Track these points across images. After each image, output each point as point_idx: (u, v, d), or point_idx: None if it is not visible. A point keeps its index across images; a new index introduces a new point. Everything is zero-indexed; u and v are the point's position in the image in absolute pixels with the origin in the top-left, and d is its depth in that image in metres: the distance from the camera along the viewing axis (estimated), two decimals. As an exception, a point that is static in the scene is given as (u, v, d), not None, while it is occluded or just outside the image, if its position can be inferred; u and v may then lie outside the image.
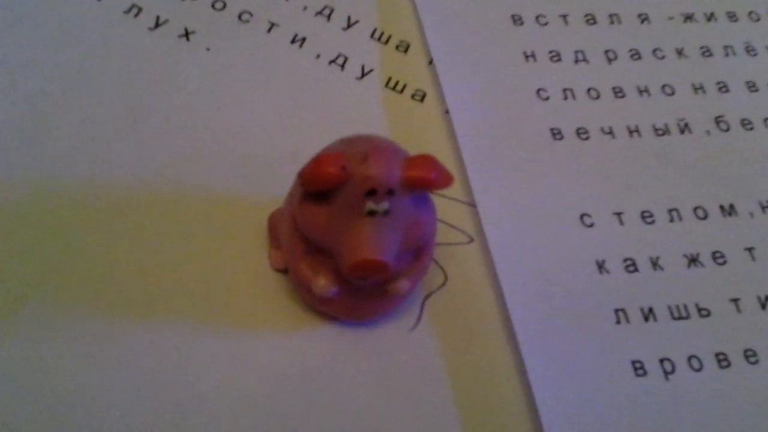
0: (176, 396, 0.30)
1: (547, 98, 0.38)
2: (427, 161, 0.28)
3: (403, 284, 0.30)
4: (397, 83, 0.38)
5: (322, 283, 0.30)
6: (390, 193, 0.27)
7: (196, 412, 0.30)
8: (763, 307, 0.34)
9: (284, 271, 0.32)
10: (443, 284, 0.33)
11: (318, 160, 0.27)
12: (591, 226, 0.35)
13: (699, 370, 0.33)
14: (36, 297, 0.31)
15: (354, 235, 0.28)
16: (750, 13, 0.43)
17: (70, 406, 0.30)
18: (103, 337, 0.31)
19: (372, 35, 0.40)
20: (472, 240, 0.34)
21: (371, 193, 0.27)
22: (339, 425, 0.30)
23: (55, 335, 0.31)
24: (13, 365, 0.30)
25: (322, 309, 0.31)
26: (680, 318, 0.33)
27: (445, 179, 0.28)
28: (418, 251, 0.30)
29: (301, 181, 0.27)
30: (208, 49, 0.38)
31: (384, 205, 0.27)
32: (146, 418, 0.30)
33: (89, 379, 0.30)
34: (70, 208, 0.33)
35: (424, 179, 0.27)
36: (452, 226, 0.34)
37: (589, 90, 0.39)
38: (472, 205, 0.35)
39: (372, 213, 0.27)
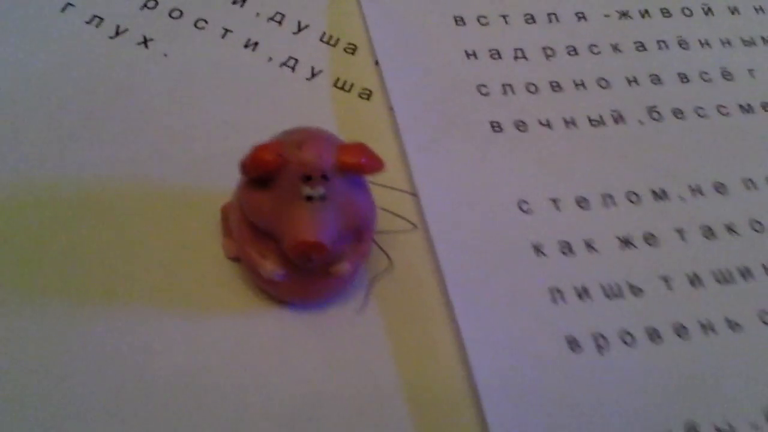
0: (136, 376, 0.32)
1: (487, 94, 0.40)
2: (359, 148, 0.30)
3: (345, 266, 0.32)
4: (345, 83, 0.40)
5: (269, 267, 0.32)
6: (325, 177, 0.29)
7: (154, 392, 0.32)
8: (693, 284, 0.36)
9: (237, 259, 0.34)
10: (388, 268, 0.35)
11: (256, 149, 0.29)
12: (528, 212, 0.37)
13: (631, 344, 0.34)
14: (4, 287, 0.33)
15: (293, 218, 0.30)
16: (683, 9, 0.45)
17: (35, 387, 0.31)
18: (67, 323, 0.33)
19: (321, 39, 0.42)
20: (415, 227, 0.36)
21: (307, 178, 0.29)
22: (290, 401, 0.32)
23: (21, 321, 0.33)
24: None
25: (272, 292, 0.33)
26: (613, 296, 0.35)
27: (376, 164, 0.30)
28: (358, 235, 0.32)
29: (242, 169, 0.29)
30: (165, 55, 0.40)
31: (319, 190, 0.29)
32: (107, 397, 0.31)
33: (53, 361, 0.32)
34: (36, 204, 0.35)
35: (355, 164, 0.29)
36: (396, 214, 0.36)
37: (527, 85, 0.41)
38: (415, 194, 0.37)
39: (309, 198, 0.29)
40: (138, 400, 0.31)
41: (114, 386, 0.32)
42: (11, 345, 0.32)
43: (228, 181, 0.33)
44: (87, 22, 0.41)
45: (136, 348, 0.33)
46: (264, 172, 0.29)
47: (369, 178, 0.32)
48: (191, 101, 0.39)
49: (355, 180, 0.30)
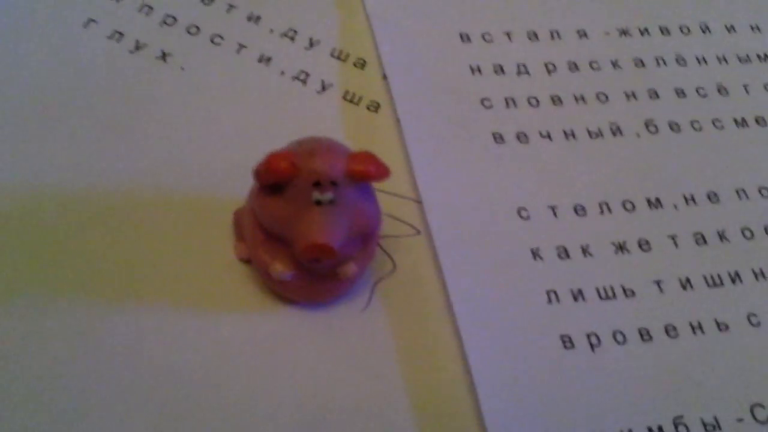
0: (151, 372, 0.34)
1: (490, 107, 0.42)
2: (367, 157, 0.32)
3: (351, 267, 0.34)
4: (354, 96, 0.42)
5: (279, 268, 0.33)
6: (334, 184, 0.31)
7: (169, 386, 0.33)
8: (684, 288, 0.38)
9: (248, 261, 0.36)
10: (392, 271, 0.37)
11: (270, 157, 0.31)
12: (527, 218, 0.39)
13: (623, 343, 0.36)
14: (25, 288, 0.35)
15: (304, 222, 0.32)
16: (681, 27, 0.47)
17: (58, 382, 0.33)
18: (87, 322, 0.34)
19: (332, 54, 0.44)
20: (418, 232, 0.38)
21: (317, 184, 0.31)
22: (297, 397, 0.34)
23: (45, 320, 0.34)
24: (7, 346, 0.34)
25: (281, 292, 0.35)
26: (607, 298, 0.37)
27: (383, 172, 0.32)
28: (365, 238, 0.34)
29: (256, 176, 0.31)
30: (182, 69, 0.42)
31: (328, 195, 0.31)
32: (122, 392, 0.33)
33: (74, 357, 0.34)
34: (58, 210, 0.37)
35: (364, 172, 0.31)
36: (400, 220, 0.38)
37: (529, 99, 0.43)
38: (419, 201, 0.39)
39: (319, 202, 0.31)
40: (151, 395, 0.33)
41: (129, 381, 0.33)
42: (33, 342, 0.34)
43: (240, 187, 0.35)
44: (108, 37, 0.43)
45: (150, 345, 0.34)
46: (277, 179, 0.31)
47: (375, 185, 0.33)
48: (207, 113, 0.41)
49: (363, 186, 0.32)
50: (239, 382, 0.34)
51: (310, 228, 0.31)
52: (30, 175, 0.38)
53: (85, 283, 0.35)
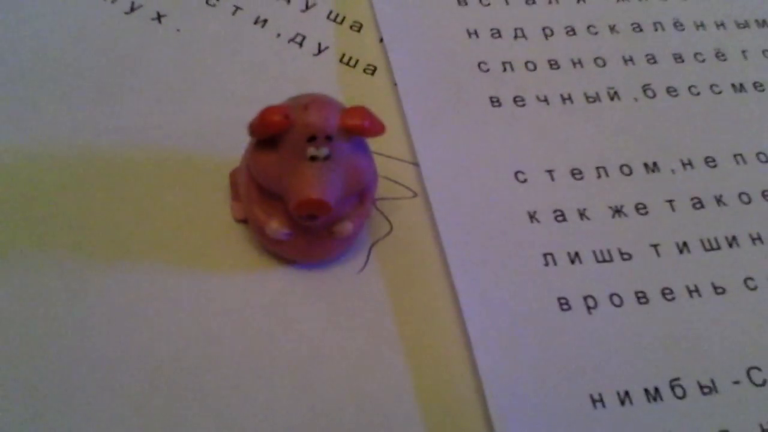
0: (147, 330, 0.34)
1: (487, 70, 0.42)
2: (361, 111, 0.31)
3: (347, 225, 0.34)
4: (350, 59, 0.42)
5: (275, 226, 0.33)
6: (329, 139, 0.31)
7: (164, 347, 0.33)
8: (681, 251, 0.37)
9: (244, 221, 0.36)
10: (389, 233, 0.37)
11: (264, 111, 0.31)
12: (524, 181, 0.39)
13: (619, 305, 0.36)
14: (23, 245, 0.35)
15: (298, 177, 0.31)
16: (680, -8, 0.46)
17: (54, 339, 0.33)
18: (81, 282, 0.34)
19: (328, 16, 0.44)
20: (415, 195, 0.38)
21: (312, 138, 0.31)
22: (294, 357, 0.34)
23: (40, 277, 0.34)
24: (2, 303, 0.34)
25: (278, 251, 0.35)
26: (604, 261, 0.37)
27: (377, 126, 0.31)
28: (360, 196, 0.34)
29: (250, 130, 0.31)
30: (178, 30, 0.42)
31: (324, 150, 0.31)
32: (117, 351, 0.33)
33: (69, 317, 0.34)
34: (54, 168, 0.37)
35: (357, 125, 0.31)
36: (397, 182, 0.38)
37: (526, 63, 0.43)
38: (416, 164, 0.39)
39: (313, 158, 0.31)
40: (146, 355, 0.33)
41: (123, 340, 0.33)
42: (28, 298, 0.34)
43: (236, 148, 0.35)
44: (103, -1, 0.42)
45: (145, 306, 0.34)
46: (271, 132, 0.31)
47: (373, 148, 0.33)
48: (202, 75, 0.41)
49: (358, 143, 0.32)
50: (236, 343, 0.34)
51: (304, 184, 0.31)
52: (25, 136, 0.38)
53: (79, 244, 0.35)
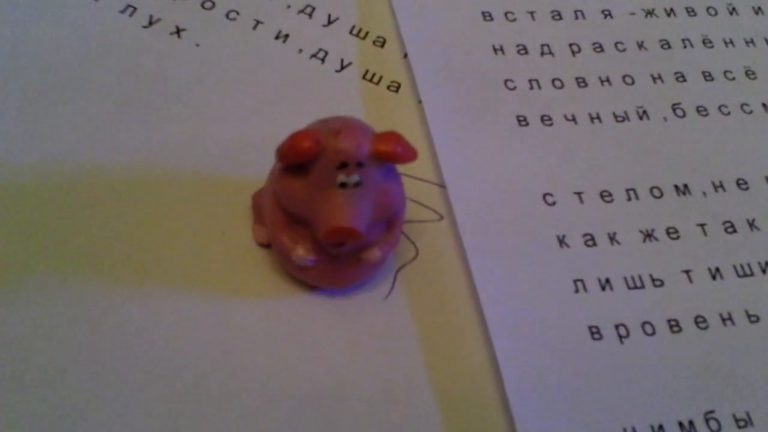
0: (167, 356, 0.33)
1: (514, 88, 0.41)
2: (394, 137, 0.30)
3: (375, 253, 0.33)
4: (374, 75, 0.41)
5: (301, 252, 0.32)
6: (360, 165, 0.30)
7: (185, 372, 0.33)
8: (714, 278, 0.37)
9: (267, 245, 0.35)
10: (415, 257, 0.36)
11: (294, 136, 0.30)
12: (553, 204, 0.38)
13: (652, 334, 0.35)
14: (41, 268, 0.34)
15: (328, 204, 0.30)
16: (708, 8, 0.46)
17: (73, 364, 0.32)
18: (101, 305, 0.34)
19: (351, 31, 0.43)
20: (442, 218, 0.37)
21: (343, 165, 0.30)
22: (318, 384, 0.33)
23: (58, 302, 0.33)
24: (18, 329, 0.33)
25: (303, 278, 0.34)
26: (635, 288, 0.36)
27: (410, 153, 0.30)
28: (389, 223, 0.33)
29: (279, 156, 0.30)
30: (197, 45, 0.41)
31: (354, 177, 0.30)
32: (139, 377, 0.32)
33: (87, 341, 0.33)
34: (72, 189, 0.36)
35: (390, 152, 0.30)
36: (424, 205, 0.37)
37: (553, 80, 0.42)
38: (443, 186, 0.38)
39: (344, 185, 0.30)
40: (166, 382, 0.32)
41: (143, 365, 0.33)
42: (47, 323, 0.33)
43: (258, 169, 0.34)
44: (121, 12, 0.42)
45: (165, 330, 0.33)
46: (301, 159, 0.30)
47: (398, 168, 0.32)
48: (222, 91, 0.40)
49: (389, 169, 0.31)
50: (257, 370, 0.33)
51: (333, 211, 0.30)
52: (43, 154, 0.37)
53: (98, 267, 0.34)
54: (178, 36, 0.41)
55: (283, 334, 0.34)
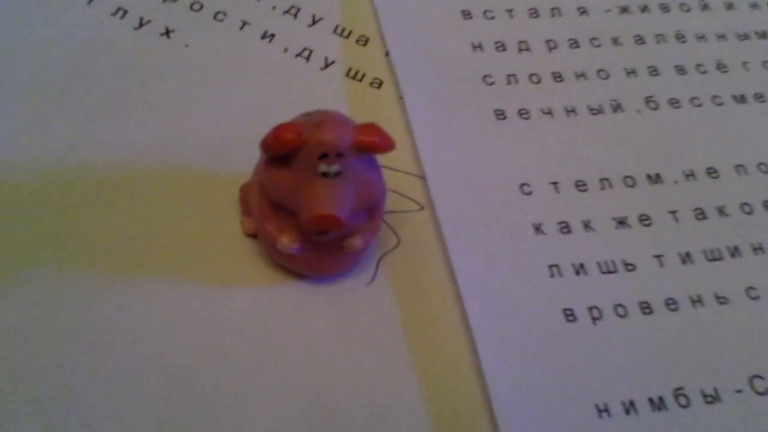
0: (158, 345, 0.34)
1: (492, 83, 0.43)
2: (373, 128, 0.32)
3: (357, 240, 0.34)
4: (357, 73, 0.43)
5: (286, 241, 0.34)
6: (340, 156, 0.31)
7: (176, 362, 0.34)
8: (684, 262, 0.38)
9: (255, 236, 0.36)
10: (397, 246, 0.37)
11: (277, 128, 0.31)
12: (529, 194, 0.39)
13: (624, 316, 0.36)
14: (36, 260, 0.36)
15: (310, 194, 0.32)
16: (681, 4, 0.47)
17: (66, 353, 0.34)
18: (94, 295, 0.35)
19: (334, 31, 0.44)
20: (422, 208, 0.38)
21: (324, 156, 0.31)
22: (304, 368, 0.34)
23: (53, 293, 0.35)
24: (15, 321, 0.34)
25: (288, 265, 0.35)
26: (608, 272, 0.37)
27: (388, 143, 0.32)
28: (370, 211, 0.34)
29: (263, 147, 0.32)
30: (186, 46, 0.43)
31: (335, 167, 0.31)
32: (130, 364, 0.34)
33: (83, 330, 0.34)
34: (65, 185, 0.37)
35: (369, 142, 0.32)
36: (405, 196, 0.38)
37: (530, 76, 0.43)
38: (423, 177, 0.39)
39: (325, 174, 0.32)
40: (158, 369, 0.34)
41: (135, 355, 0.34)
42: (42, 314, 0.34)
43: (246, 163, 0.36)
44: (112, 14, 0.43)
45: (157, 320, 0.35)
46: (284, 150, 0.31)
47: (380, 161, 0.34)
48: (211, 89, 0.41)
49: (368, 159, 0.33)
50: (246, 356, 0.34)
51: (316, 199, 0.32)
52: (36, 151, 0.38)
53: (90, 260, 0.36)
54: (168, 37, 0.43)
55: (271, 320, 0.35)
